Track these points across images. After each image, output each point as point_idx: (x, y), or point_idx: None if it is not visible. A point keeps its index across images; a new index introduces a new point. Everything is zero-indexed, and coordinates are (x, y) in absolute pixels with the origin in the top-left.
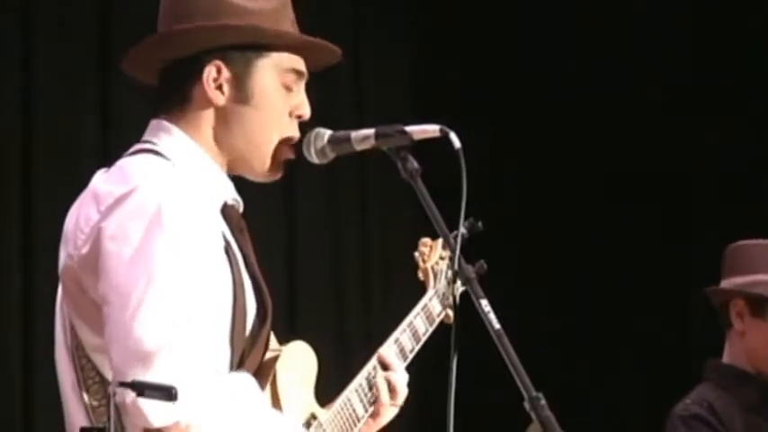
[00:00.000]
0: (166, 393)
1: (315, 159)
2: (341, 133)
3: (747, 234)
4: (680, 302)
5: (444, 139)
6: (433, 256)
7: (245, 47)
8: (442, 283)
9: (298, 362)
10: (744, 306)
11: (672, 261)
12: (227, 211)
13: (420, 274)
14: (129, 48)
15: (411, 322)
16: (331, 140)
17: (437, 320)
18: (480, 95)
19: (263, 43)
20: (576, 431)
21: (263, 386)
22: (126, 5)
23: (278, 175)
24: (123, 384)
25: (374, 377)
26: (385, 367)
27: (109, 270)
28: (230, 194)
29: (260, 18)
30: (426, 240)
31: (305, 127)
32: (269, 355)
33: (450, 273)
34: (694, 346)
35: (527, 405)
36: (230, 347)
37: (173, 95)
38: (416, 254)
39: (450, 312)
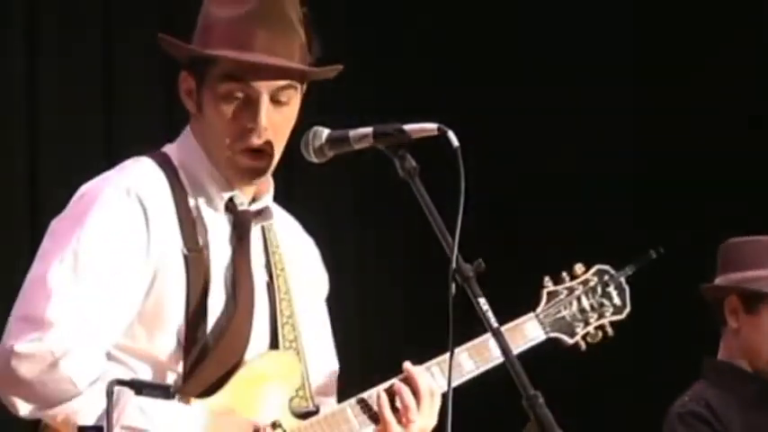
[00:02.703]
0: (164, 392)
1: (313, 158)
2: (339, 132)
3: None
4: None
5: (442, 137)
6: (571, 281)
7: (198, 61)
8: (551, 311)
9: (271, 369)
10: (738, 303)
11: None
12: (235, 214)
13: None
14: (133, 36)
15: (482, 343)
16: (329, 139)
17: (527, 345)
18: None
19: (210, 57)
20: (574, 429)
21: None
22: None
23: (252, 182)
24: (122, 383)
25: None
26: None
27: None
28: (240, 198)
29: (225, 26)
30: (581, 266)
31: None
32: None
33: (573, 305)
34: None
35: (525, 404)
36: (185, 339)
37: None
38: (565, 273)
39: (569, 339)
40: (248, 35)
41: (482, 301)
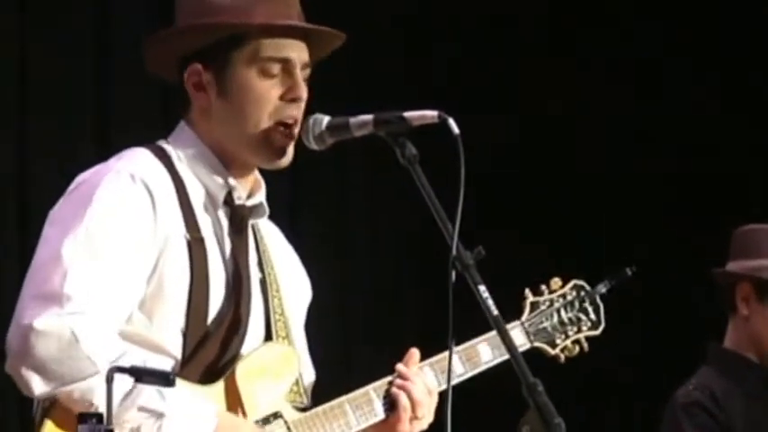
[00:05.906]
0: (164, 379)
1: (313, 145)
2: (339, 119)
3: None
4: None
5: (443, 125)
6: (549, 294)
7: (220, 43)
8: (535, 320)
9: (271, 361)
10: (750, 290)
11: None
12: (232, 208)
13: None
14: (129, 21)
15: (471, 347)
16: (329, 126)
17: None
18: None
19: (236, 35)
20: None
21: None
22: None
23: (280, 162)
24: (121, 369)
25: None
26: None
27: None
28: (238, 192)
29: (242, 10)
30: (557, 280)
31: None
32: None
33: (554, 317)
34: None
35: (525, 391)
36: (186, 325)
37: (183, 95)
38: (543, 286)
39: (550, 350)
40: (284, 6)
41: (482, 288)
